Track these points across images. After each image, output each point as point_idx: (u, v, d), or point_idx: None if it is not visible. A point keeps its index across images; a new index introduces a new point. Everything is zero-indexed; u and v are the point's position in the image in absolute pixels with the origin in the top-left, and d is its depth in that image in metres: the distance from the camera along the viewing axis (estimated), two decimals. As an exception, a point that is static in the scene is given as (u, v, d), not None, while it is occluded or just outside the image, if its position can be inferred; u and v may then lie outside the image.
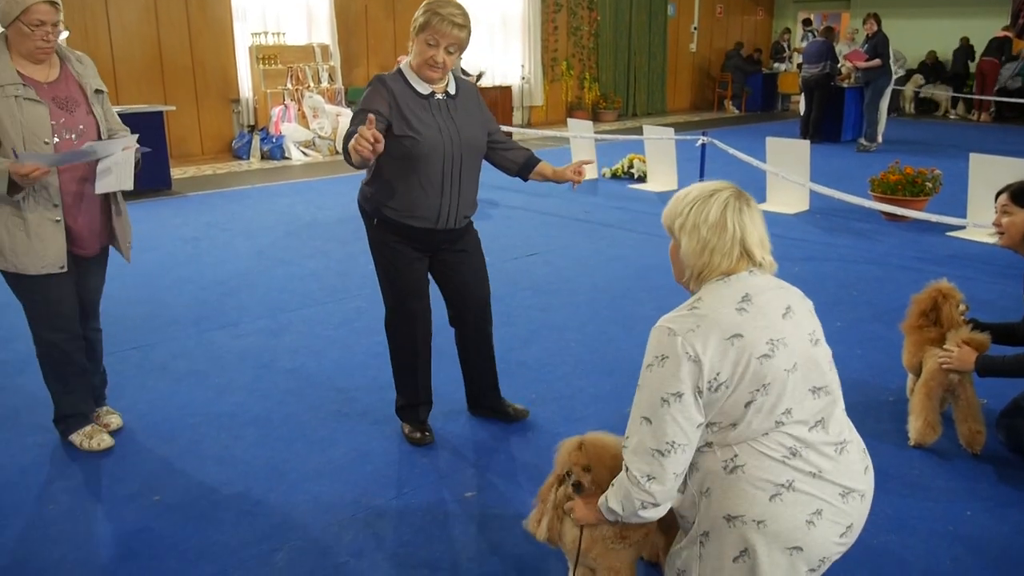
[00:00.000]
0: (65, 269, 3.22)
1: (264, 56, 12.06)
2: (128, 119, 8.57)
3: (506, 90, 14.18)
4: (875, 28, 11.91)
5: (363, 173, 3.27)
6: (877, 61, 11.84)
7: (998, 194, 3.35)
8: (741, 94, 18.54)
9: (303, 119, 12.21)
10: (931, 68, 17.07)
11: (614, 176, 9.99)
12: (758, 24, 20.42)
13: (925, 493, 3.09)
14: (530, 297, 5.42)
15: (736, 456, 1.91)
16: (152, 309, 5.21)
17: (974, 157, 7.00)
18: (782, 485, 1.89)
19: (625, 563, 2.27)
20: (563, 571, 2.64)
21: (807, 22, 18.56)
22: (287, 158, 11.67)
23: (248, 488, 3.16)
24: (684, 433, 1.90)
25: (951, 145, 12.27)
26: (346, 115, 12.46)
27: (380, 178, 3.18)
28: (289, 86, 12.23)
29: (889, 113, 12.73)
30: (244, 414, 3.78)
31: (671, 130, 9.33)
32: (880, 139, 12.22)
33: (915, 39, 17.07)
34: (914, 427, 3.39)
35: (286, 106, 12.06)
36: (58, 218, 3.16)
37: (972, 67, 16.67)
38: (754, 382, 1.88)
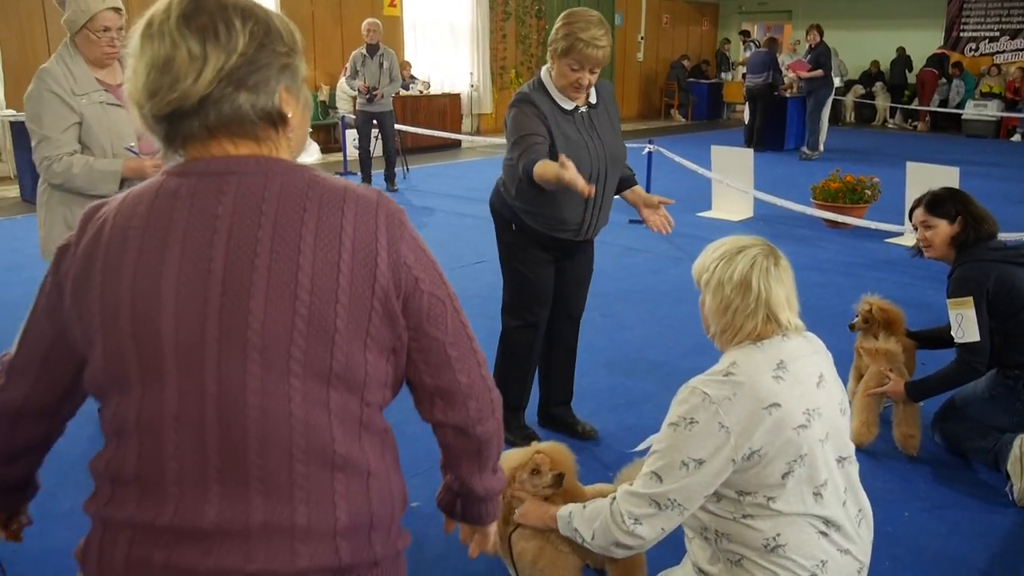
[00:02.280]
0: None
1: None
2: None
3: (455, 97, 14.18)
4: (817, 39, 12.19)
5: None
6: (819, 72, 12.11)
7: (912, 210, 3.39)
8: (687, 103, 18.80)
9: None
10: (873, 78, 17.51)
11: (562, 183, 10.01)
12: (703, 34, 20.74)
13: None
14: (479, 305, 5.41)
15: (779, 535, 1.85)
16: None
17: (911, 165, 7.19)
18: (819, 563, 1.86)
19: (571, 572, 2.27)
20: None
21: (746, 34, 18.93)
22: (232, 164, 11.48)
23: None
24: (691, 499, 1.87)
25: (889, 154, 12.60)
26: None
27: (527, 191, 3.11)
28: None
29: (830, 123, 13.02)
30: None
31: (618, 138, 9.40)
32: (822, 148, 12.49)
33: (855, 50, 17.50)
34: (851, 427, 3.44)
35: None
36: None
37: (910, 77, 17.15)
38: (791, 453, 1.82)
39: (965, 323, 3.11)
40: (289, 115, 1.21)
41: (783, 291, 1.93)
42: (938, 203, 3.29)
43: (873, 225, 6.59)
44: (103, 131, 3.13)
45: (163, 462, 1.12)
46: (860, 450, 3.46)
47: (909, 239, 6.95)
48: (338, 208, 1.15)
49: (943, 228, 3.26)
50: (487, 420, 1.32)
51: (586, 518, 1.99)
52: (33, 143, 3.12)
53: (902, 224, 6.76)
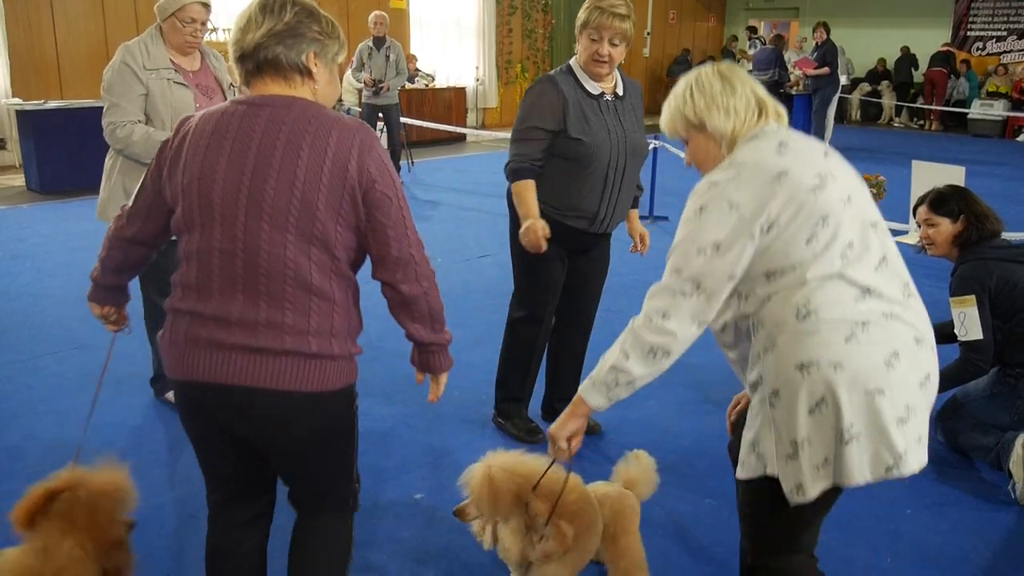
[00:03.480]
0: None
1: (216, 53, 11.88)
2: (73, 114, 8.37)
3: (460, 91, 14.17)
4: (824, 37, 12.15)
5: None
6: (826, 69, 12.07)
7: (915, 207, 3.40)
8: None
9: (254, 117, 12.04)
10: (880, 76, 17.46)
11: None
12: (710, 31, 20.69)
13: (867, 491, 3.12)
14: (482, 299, 5.42)
15: (808, 302, 1.76)
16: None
17: (916, 164, 7.17)
18: (857, 324, 1.75)
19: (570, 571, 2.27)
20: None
21: (753, 29, 18.87)
22: (237, 156, 11.49)
23: (193, 493, 3.10)
24: (715, 285, 1.79)
25: (895, 152, 12.58)
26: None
27: (543, 175, 3.12)
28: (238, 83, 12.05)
29: (836, 121, 12.99)
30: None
31: (624, 133, 9.38)
32: (827, 144, 12.45)
33: (862, 48, 17.46)
34: None
35: (236, 104, 11.89)
36: None
37: (916, 76, 17.10)
38: (810, 216, 1.76)
39: (968, 321, 3.12)
40: (314, 71, 1.84)
41: (751, 82, 1.95)
42: (942, 201, 3.30)
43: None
44: (166, 105, 3.39)
45: (210, 276, 1.78)
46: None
47: (914, 237, 6.92)
48: (327, 131, 1.76)
49: (946, 226, 3.28)
50: (411, 283, 1.85)
51: (611, 355, 1.90)
52: (104, 109, 3.39)
53: (907, 223, 6.74)
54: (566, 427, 2.06)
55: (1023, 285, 3.15)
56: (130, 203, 1.99)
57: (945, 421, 3.46)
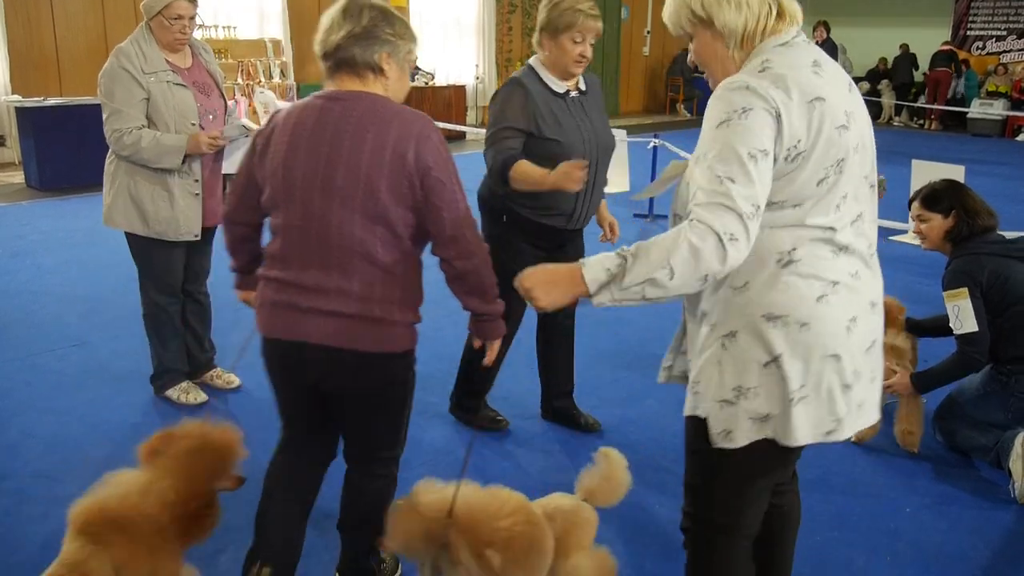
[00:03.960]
0: (199, 238, 3.57)
1: (214, 50, 11.79)
2: (73, 112, 8.39)
3: (460, 89, 14.17)
4: (824, 36, 12.16)
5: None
6: (825, 68, 12.06)
7: (910, 201, 3.43)
8: (693, 97, 18.76)
9: (254, 115, 12.02)
10: (880, 75, 17.44)
11: (567, 177, 10.01)
12: (710, 29, 20.65)
13: (866, 490, 3.16)
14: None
15: (794, 250, 1.67)
16: (94, 306, 5.09)
17: (916, 163, 7.18)
18: (829, 283, 1.68)
19: None
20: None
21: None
22: (237, 154, 11.49)
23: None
24: (764, 197, 1.62)
25: (894, 151, 12.56)
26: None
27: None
28: (240, 81, 12.05)
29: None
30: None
31: (623, 132, 9.38)
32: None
33: (862, 47, 17.45)
34: None
35: (236, 101, 11.84)
36: (198, 192, 3.52)
37: (916, 75, 17.08)
38: (830, 156, 1.65)
39: (962, 314, 3.14)
40: (385, 69, 2.07)
41: None
42: (934, 198, 3.32)
43: (878, 222, 6.56)
44: (168, 108, 3.37)
45: (291, 249, 2.07)
46: (862, 446, 3.47)
47: (913, 236, 6.94)
48: (389, 123, 2.00)
49: (937, 222, 3.30)
50: (464, 259, 2.09)
51: (653, 259, 1.62)
52: (104, 116, 3.37)
53: (906, 222, 6.75)
54: (550, 295, 1.83)
55: (1015, 279, 3.16)
56: (229, 187, 2.30)
57: (942, 421, 3.46)
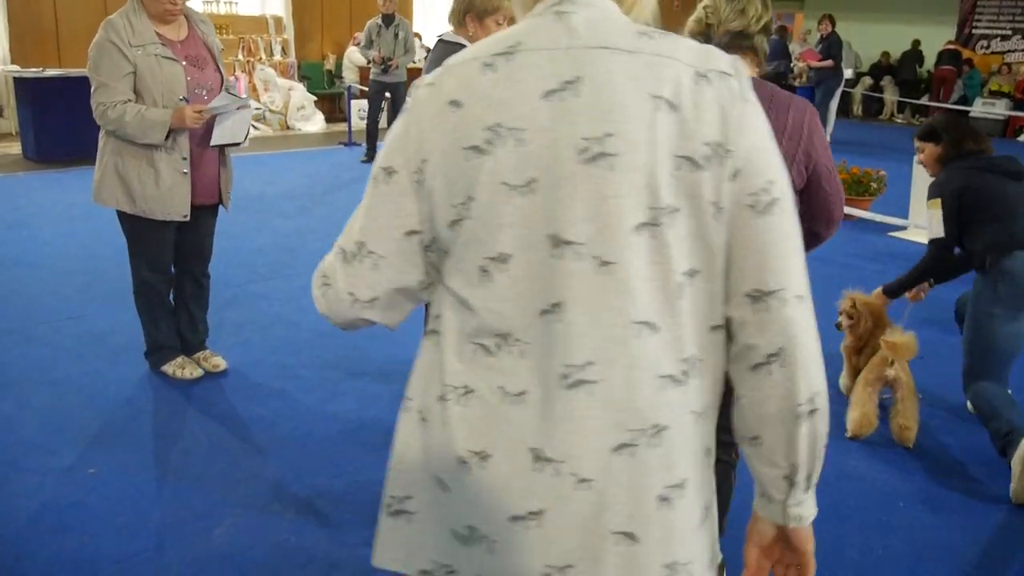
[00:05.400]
0: (188, 218, 3.48)
1: (215, 25, 11.78)
2: (72, 83, 8.35)
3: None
4: (829, 29, 12.10)
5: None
6: (830, 62, 12.04)
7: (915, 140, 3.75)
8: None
9: (254, 92, 11.97)
10: (884, 71, 17.40)
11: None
12: (714, 20, 20.57)
13: (860, 484, 3.17)
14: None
15: (439, 317, 1.19)
16: (91, 279, 5.07)
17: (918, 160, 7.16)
18: (452, 390, 1.14)
19: None
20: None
21: (760, 20, 18.76)
22: (236, 131, 11.43)
23: (186, 464, 3.10)
24: (378, 236, 1.18)
25: (896, 148, 12.55)
26: (299, 90, 12.26)
27: None
28: (240, 57, 11.98)
29: (837, 115, 12.97)
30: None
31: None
32: (828, 139, 12.43)
33: (866, 42, 17.41)
34: (851, 418, 3.47)
35: (236, 78, 11.81)
36: (186, 170, 3.42)
37: (920, 72, 17.04)
38: (456, 188, 1.11)
39: (934, 221, 3.47)
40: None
41: None
42: (927, 130, 3.67)
43: (878, 217, 6.58)
44: (155, 82, 3.29)
45: None
46: (859, 441, 3.47)
47: (912, 233, 6.95)
48: (786, 106, 2.13)
49: (930, 149, 3.62)
50: (833, 229, 2.39)
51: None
52: (92, 89, 3.30)
53: (906, 218, 6.75)
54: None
55: (983, 188, 3.42)
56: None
57: (972, 380, 3.45)
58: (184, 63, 3.38)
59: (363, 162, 9.74)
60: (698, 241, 1.08)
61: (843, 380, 3.86)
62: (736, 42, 2.14)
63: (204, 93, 3.43)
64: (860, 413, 3.44)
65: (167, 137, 3.31)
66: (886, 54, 17.37)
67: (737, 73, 1.11)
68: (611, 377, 1.08)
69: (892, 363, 3.45)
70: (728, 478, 2.35)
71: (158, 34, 3.33)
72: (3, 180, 7.91)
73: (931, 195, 3.51)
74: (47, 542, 2.61)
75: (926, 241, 3.62)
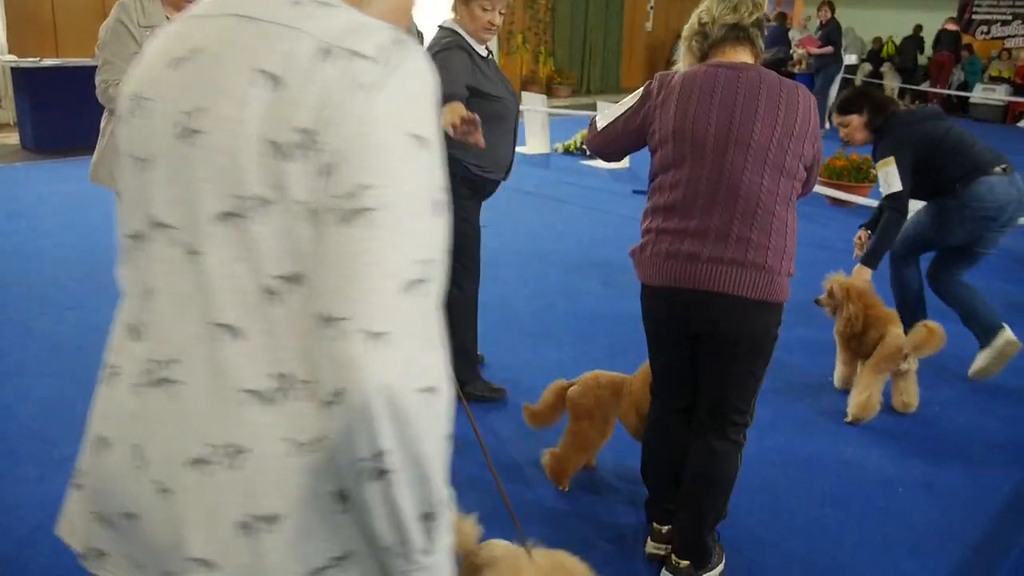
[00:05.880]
0: None
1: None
2: (70, 73, 8.30)
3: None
4: (829, 15, 12.07)
5: None
6: (830, 48, 12.00)
7: (828, 117, 3.99)
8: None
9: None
10: (880, 58, 17.32)
11: (566, 151, 9.98)
12: (714, 6, 20.48)
13: (859, 471, 3.17)
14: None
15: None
16: (90, 269, 5.07)
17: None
18: (109, 367, 1.07)
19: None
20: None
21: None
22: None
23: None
24: None
25: (896, 134, 12.53)
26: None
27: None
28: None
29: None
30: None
31: (625, 108, 9.34)
32: (827, 125, 12.41)
33: (864, 29, 17.33)
34: (856, 402, 3.48)
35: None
36: None
37: (921, 59, 16.96)
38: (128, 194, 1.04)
39: (889, 178, 3.69)
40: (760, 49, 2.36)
41: None
42: (846, 104, 3.94)
43: (876, 204, 6.55)
44: None
45: (695, 199, 2.24)
46: (856, 427, 3.48)
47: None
48: (796, 94, 2.26)
49: (856, 120, 3.87)
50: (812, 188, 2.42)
51: None
52: (98, 67, 3.34)
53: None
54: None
55: (934, 133, 3.76)
56: (610, 126, 2.49)
57: (931, 280, 4.03)
58: None
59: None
60: (297, 243, 0.90)
61: (838, 371, 3.85)
62: (732, 34, 2.30)
63: None
64: (866, 397, 3.46)
65: None
66: (877, 39, 17.26)
67: (384, 59, 0.90)
68: (193, 381, 0.96)
69: (906, 357, 3.48)
70: (734, 459, 2.40)
71: (167, 16, 3.35)
72: (1, 171, 7.90)
73: (881, 156, 3.77)
74: (48, 532, 2.61)
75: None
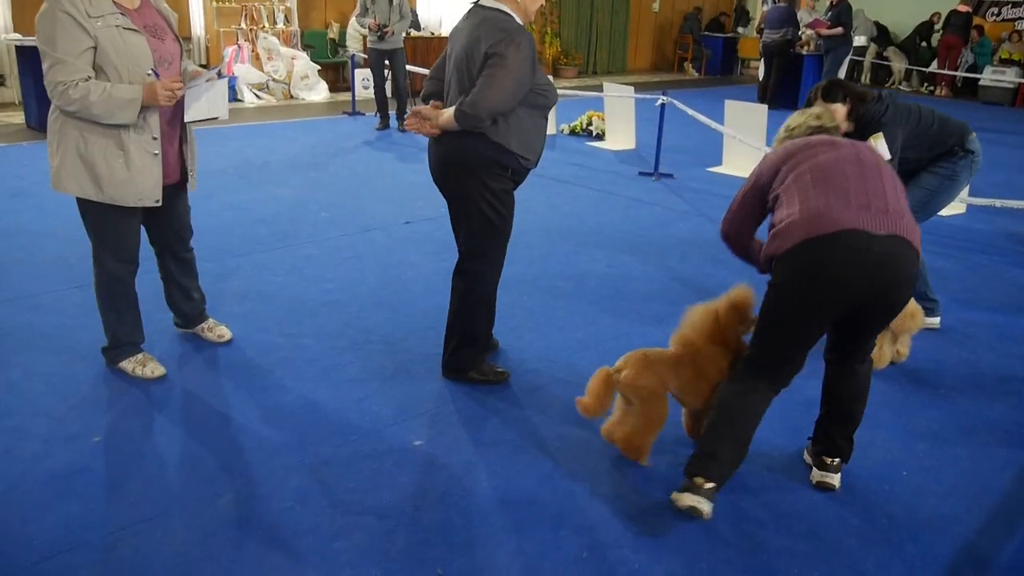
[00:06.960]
0: (160, 203, 3.28)
1: (218, -7, 11.68)
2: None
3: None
4: (840, -5, 11.96)
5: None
6: (839, 29, 11.90)
7: (808, 104, 3.91)
8: (701, 57, 18.52)
9: (257, 61, 11.90)
10: (886, 37, 17.15)
11: (572, 133, 9.94)
12: (722, -13, 20.34)
13: (863, 453, 3.17)
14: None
15: None
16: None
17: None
18: None
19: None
20: (517, 513, 2.65)
21: (768, -14, 18.55)
22: (239, 100, 11.38)
23: (191, 432, 3.11)
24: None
25: (904, 117, 12.45)
26: (302, 59, 12.17)
27: (519, 128, 3.24)
28: (243, 26, 11.89)
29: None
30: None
31: (631, 89, 9.28)
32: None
33: (874, 11, 17.15)
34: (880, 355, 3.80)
35: (239, 47, 11.73)
36: (156, 151, 3.20)
37: (927, 42, 16.80)
38: None
39: (880, 148, 3.82)
40: None
41: None
42: (829, 91, 3.95)
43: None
44: (120, 56, 3.02)
45: (847, 182, 2.67)
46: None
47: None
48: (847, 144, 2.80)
49: (840, 110, 3.91)
50: None
51: None
52: (45, 66, 2.99)
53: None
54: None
55: (914, 111, 4.00)
56: (731, 214, 3.01)
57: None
58: (146, 34, 3.12)
59: (378, 129, 9.73)
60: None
61: None
62: (816, 132, 2.95)
63: (166, 65, 3.18)
64: (876, 348, 3.64)
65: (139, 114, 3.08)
66: (875, 22, 17.06)
67: None
68: None
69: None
70: (870, 375, 2.90)
71: (115, 3, 3.05)
72: (6, 150, 7.89)
73: (870, 132, 3.93)
74: (54, 507, 2.63)
75: None
